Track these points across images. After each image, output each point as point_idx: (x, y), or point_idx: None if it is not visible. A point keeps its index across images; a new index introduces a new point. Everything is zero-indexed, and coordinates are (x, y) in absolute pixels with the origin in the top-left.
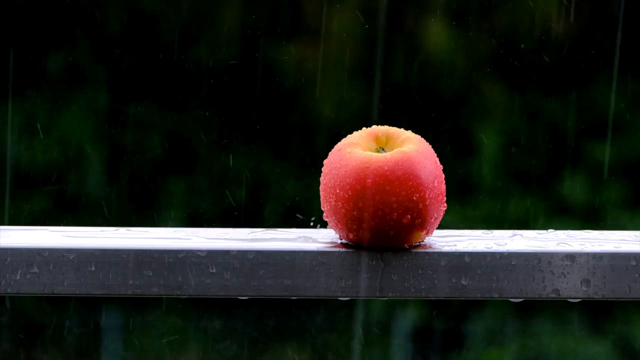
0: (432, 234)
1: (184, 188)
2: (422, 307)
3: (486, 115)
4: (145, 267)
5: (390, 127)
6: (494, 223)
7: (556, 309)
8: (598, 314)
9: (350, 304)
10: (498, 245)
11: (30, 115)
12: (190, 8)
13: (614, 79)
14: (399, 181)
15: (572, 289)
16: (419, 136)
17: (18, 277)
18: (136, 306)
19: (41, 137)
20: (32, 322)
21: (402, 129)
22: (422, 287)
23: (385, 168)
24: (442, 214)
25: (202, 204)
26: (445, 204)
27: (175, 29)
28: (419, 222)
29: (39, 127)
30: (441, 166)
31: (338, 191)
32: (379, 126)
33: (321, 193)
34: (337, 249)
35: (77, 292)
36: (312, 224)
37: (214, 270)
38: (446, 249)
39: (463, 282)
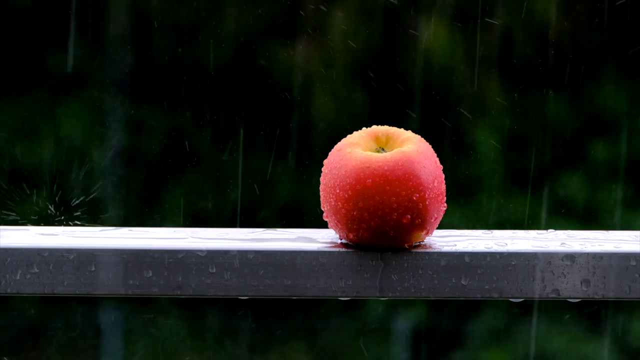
0: (432, 234)
1: (184, 188)
2: (422, 307)
3: (486, 115)
4: (145, 267)
5: (390, 127)
6: (494, 223)
7: (556, 309)
8: (598, 313)
9: (350, 304)
10: (498, 245)
11: (30, 116)
12: (190, 8)
13: (614, 79)
14: (399, 181)
15: (572, 289)
16: (419, 136)
17: (18, 277)
18: (136, 306)
19: (41, 137)
20: (32, 322)
21: (402, 129)
22: (422, 287)
23: (385, 168)
24: (442, 214)
25: (202, 204)
26: (445, 204)
27: (175, 29)
28: (419, 222)
29: (38, 127)
30: (441, 166)
31: (338, 191)
32: (379, 126)
33: (321, 193)
34: (337, 249)
35: (77, 292)
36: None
37: (214, 270)
38: (446, 249)
39: (463, 282)
